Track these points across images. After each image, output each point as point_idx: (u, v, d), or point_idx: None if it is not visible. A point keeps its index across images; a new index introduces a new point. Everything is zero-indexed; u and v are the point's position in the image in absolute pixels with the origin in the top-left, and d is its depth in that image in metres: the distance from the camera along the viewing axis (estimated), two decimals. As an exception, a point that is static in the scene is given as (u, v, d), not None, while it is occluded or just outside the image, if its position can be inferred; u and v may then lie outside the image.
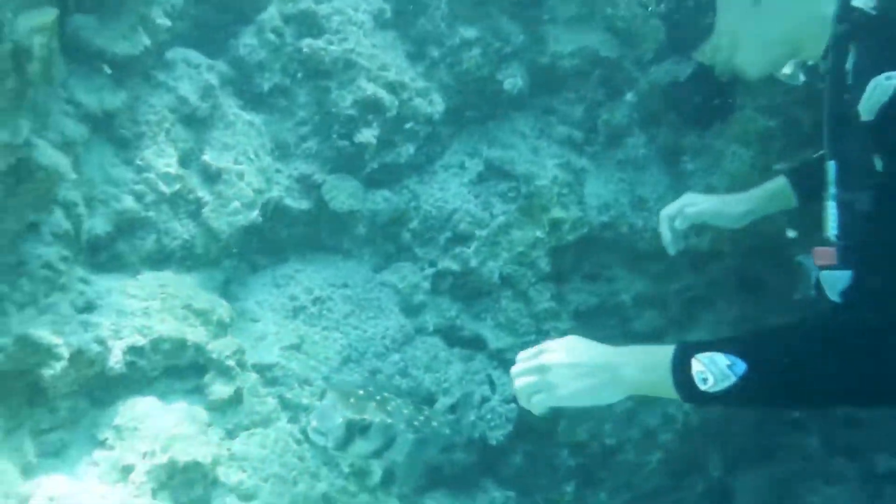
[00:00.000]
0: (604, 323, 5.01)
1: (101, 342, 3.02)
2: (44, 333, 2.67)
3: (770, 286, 4.77)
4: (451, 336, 4.74)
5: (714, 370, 1.63)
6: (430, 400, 4.50)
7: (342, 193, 4.26)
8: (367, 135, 4.19)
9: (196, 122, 3.79)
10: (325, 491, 3.68)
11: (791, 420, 5.31)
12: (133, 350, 3.23)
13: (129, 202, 3.48)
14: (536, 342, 4.63)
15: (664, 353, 1.74)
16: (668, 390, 1.72)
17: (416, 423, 2.90)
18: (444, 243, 4.69)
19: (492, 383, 4.65)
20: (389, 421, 2.71)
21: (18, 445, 2.80)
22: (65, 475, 2.92)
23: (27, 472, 2.80)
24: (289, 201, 4.25)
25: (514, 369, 1.96)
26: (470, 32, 4.50)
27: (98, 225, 3.40)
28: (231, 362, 3.42)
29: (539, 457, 4.91)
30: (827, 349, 1.55)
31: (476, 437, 4.48)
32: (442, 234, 4.69)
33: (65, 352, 2.69)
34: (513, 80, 4.51)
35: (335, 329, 4.27)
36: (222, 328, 3.53)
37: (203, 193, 3.75)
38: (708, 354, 1.66)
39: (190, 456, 2.90)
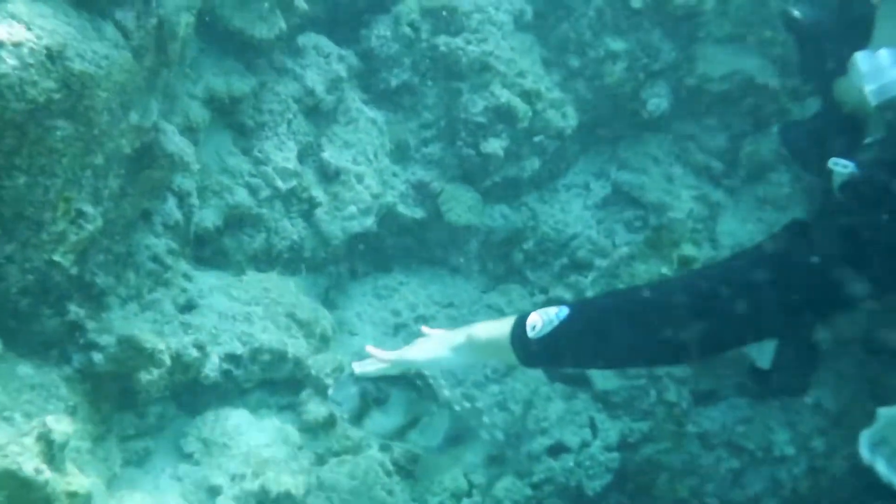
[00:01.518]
0: (720, 372, 4.66)
1: (200, 347, 2.84)
2: (149, 337, 2.49)
3: None
4: (553, 370, 4.44)
5: (544, 318, 1.82)
6: (520, 437, 4.23)
7: (460, 205, 4.00)
8: (495, 145, 3.92)
9: (319, 114, 3.59)
10: (413, 530, 3.44)
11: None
12: (230, 358, 3.03)
13: (242, 196, 3.29)
14: (646, 389, 4.41)
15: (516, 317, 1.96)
16: (506, 348, 1.90)
17: (457, 406, 2.50)
18: (558, 270, 4.40)
19: (594, 427, 4.35)
20: (415, 394, 2.36)
21: (107, 455, 2.63)
22: (146, 491, 2.73)
23: (112, 484, 2.62)
24: (401, 208, 4.01)
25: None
26: (617, 44, 4.19)
27: (208, 217, 3.22)
28: (330, 381, 3.20)
29: (631, 510, 4.59)
30: (640, 312, 1.76)
31: (572, 484, 4.19)
32: (558, 260, 4.40)
33: (166, 358, 2.50)
34: (658, 100, 4.18)
35: (436, 351, 4.02)
36: (324, 342, 3.33)
37: (318, 193, 3.54)
38: (545, 308, 1.86)
39: (283, 486, 2.69)
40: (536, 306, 4.42)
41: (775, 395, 3.16)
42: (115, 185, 2.50)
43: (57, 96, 2.01)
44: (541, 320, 1.82)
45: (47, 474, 1.81)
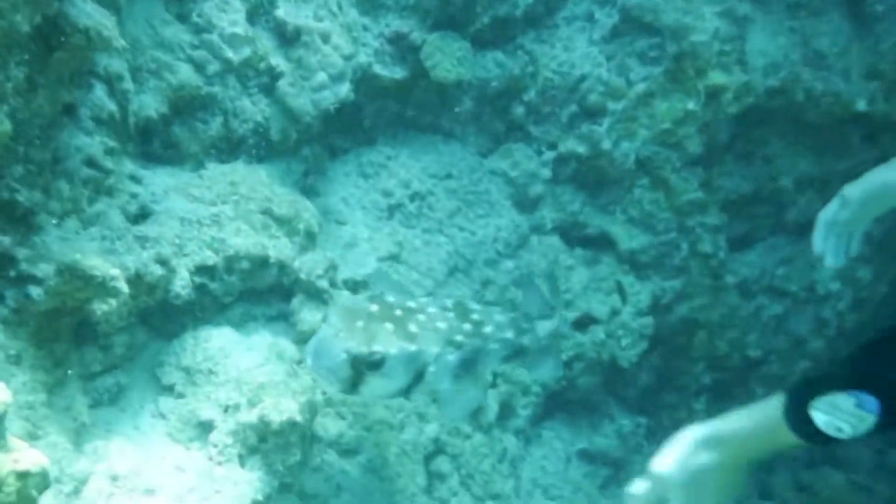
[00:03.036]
0: (755, 212, 4.31)
1: (163, 262, 2.44)
2: (95, 262, 2.09)
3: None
4: (573, 234, 4.07)
5: (843, 415, 1.50)
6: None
7: (448, 58, 3.48)
8: (482, -24, 3.37)
9: (265, -40, 3.01)
10: (436, 435, 3.15)
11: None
12: (202, 270, 2.63)
13: (187, 73, 2.79)
14: (677, 242, 4.05)
15: (771, 414, 1.62)
16: (794, 445, 1.60)
17: (457, 337, 2.19)
18: (567, 119, 3.94)
19: (622, 292, 4.01)
20: (413, 348, 2.07)
21: (68, 404, 2.26)
22: (125, 436, 2.39)
23: (81, 436, 2.27)
24: (378, 68, 3.50)
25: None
26: None
27: (149, 104, 2.74)
28: (323, 283, 2.82)
29: (669, 373, 4.34)
30: None
31: (604, 358, 3.90)
32: (565, 109, 3.92)
33: (122, 284, 2.10)
34: None
35: (438, 231, 3.62)
36: (310, 239, 2.92)
37: (278, 61, 3.02)
38: (825, 400, 1.51)
39: (285, 414, 2.35)
40: (545, 165, 4.01)
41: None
42: (19, 76, 2.02)
43: None
44: (843, 422, 1.48)
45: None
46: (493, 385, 3.54)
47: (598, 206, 4.07)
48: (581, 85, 3.87)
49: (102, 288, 2.15)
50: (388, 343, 2.01)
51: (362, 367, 1.99)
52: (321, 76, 3.01)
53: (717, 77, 3.75)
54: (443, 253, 3.55)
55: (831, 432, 1.50)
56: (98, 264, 2.13)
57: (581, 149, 3.88)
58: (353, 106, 3.53)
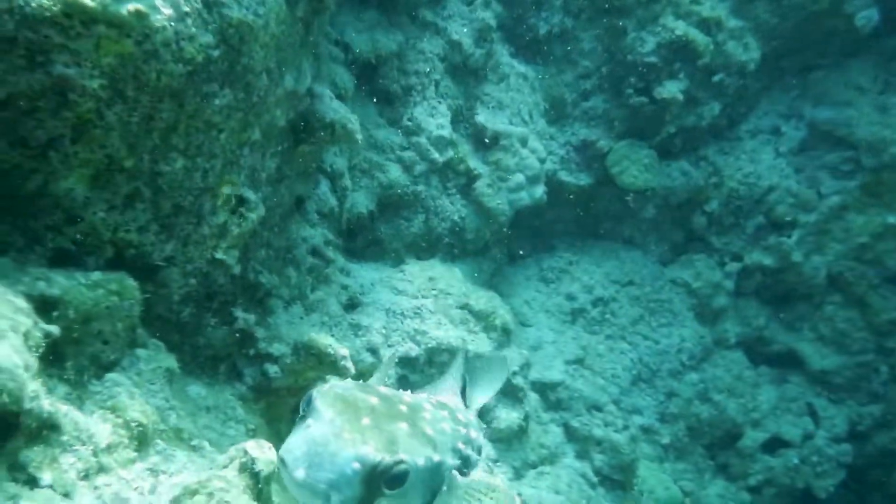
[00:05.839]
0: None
1: (373, 351, 2.58)
2: (329, 341, 2.24)
3: None
4: (757, 350, 4.03)
5: None
6: (734, 434, 3.84)
7: (635, 165, 3.64)
8: (673, 89, 3.54)
9: (467, 72, 3.28)
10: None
11: None
12: (405, 362, 2.77)
13: (396, 173, 3.02)
14: (874, 365, 3.94)
15: None
16: None
17: (459, 444, 1.60)
18: (752, 231, 3.99)
19: (815, 415, 3.91)
20: (437, 458, 1.48)
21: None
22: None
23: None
24: (564, 175, 3.68)
25: None
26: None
27: (360, 202, 2.97)
28: (518, 380, 2.91)
29: (863, 511, 4.13)
30: None
31: (798, 486, 3.76)
32: (751, 220, 3.98)
33: (350, 364, 2.25)
34: (869, 13, 3.67)
35: (621, 338, 3.68)
36: (506, 335, 3.03)
37: (475, 164, 3.25)
38: None
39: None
40: (728, 277, 4.04)
41: None
42: (272, 166, 2.27)
43: (215, 53, 1.77)
44: None
45: (259, 514, 1.57)
46: (680, 505, 3.47)
47: (783, 323, 4.04)
48: (768, 196, 3.93)
49: (334, 367, 2.31)
50: (412, 450, 1.43)
51: (379, 484, 1.38)
52: (519, 177, 3.20)
53: (918, 190, 3.74)
54: (626, 360, 3.59)
55: None
56: (332, 343, 2.31)
57: (768, 261, 3.90)
58: (533, 212, 3.71)
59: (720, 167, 3.94)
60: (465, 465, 1.57)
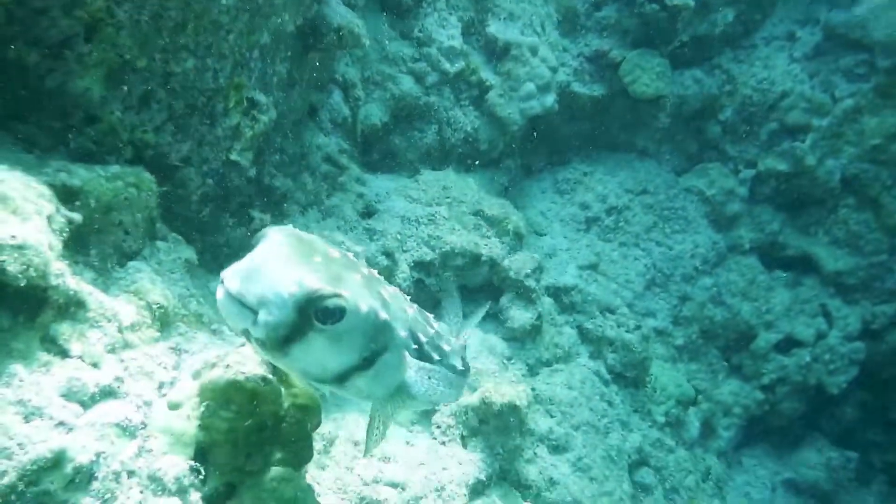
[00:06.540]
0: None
1: (388, 254, 2.66)
2: (341, 238, 2.33)
3: None
4: (772, 255, 4.07)
5: None
6: (748, 336, 3.91)
7: (647, 73, 3.64)
8: (684, -6, 3.52)
9: (476, -18, 3.30)
10: (639, 444, 3.22)
11: None
12: (420, 266, 2.86)
13: (408, 84, 3.07)
14: (889, 264, 3.96)
15: None
16: None
17: (420, 335, 1.53)
18: (766, 137, 3.99)
19: (828, 316, 3.95)
20: (384, 316, 1.38)
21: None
22: (358, 411, 2.63)
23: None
24: (577, 87, 3.70)
25: None
26: None
27: (374, 113, 3.03)
28: (531, 282, 2.99)
29: (876, 408, 4.19)
30: None
31: (810, 382, 3.83)
32: (765, 126, 3.98)
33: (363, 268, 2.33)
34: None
35: (635, 245, 3.74)
36: (518, 239, 3.10)
37: (487, 75, 3.28)
38: None
39: (506, 397, 2.50)
40: (742, 184, 4.06)
41: None
42: (282, 71, 2.33)
43: (218, -46, 1.83)
44: None
45: (274, 384, 1.67)
46: (694, 403, 3.57)
47: (798, 227, 4.06)
48: (782, 102, 3.92)
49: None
50: (357, 293, 1.33)
51: (311, 315, 1.28)
52: (529, 86, 3.23)
53: (933, 89, 3.70)
54: (640, 265, 3.65)
55: None
56: (344, 241, 2.40)
57: (782, 166, 3.90)
58: (548, 125, 3.75)
59: (734, 75, 3.93)
60: (422, 358, 1.51)
